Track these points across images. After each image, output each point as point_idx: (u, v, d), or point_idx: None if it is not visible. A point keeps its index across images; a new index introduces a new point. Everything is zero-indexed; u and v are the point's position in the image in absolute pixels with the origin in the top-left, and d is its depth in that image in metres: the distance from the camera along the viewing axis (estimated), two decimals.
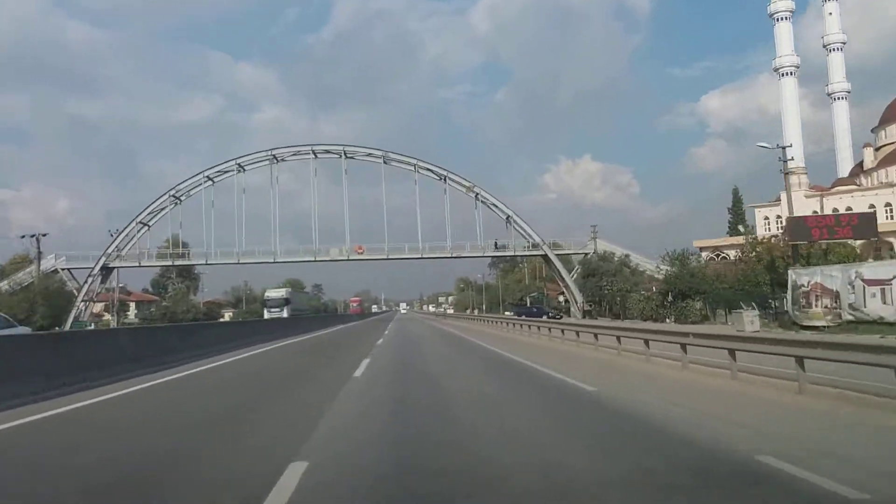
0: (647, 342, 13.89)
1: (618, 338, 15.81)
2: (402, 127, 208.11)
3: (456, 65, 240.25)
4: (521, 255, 63.81)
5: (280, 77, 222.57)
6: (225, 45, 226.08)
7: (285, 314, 55.88)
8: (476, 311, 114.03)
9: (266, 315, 57.73)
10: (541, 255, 61.56)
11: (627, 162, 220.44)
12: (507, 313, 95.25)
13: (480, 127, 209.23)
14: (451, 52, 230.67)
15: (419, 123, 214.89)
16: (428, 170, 60.89)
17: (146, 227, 60.16)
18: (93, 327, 56.66)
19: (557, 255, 60.02)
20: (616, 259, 51.90)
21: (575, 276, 60.23)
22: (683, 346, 12.09)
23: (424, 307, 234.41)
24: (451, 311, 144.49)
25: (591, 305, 52.57)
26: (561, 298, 79.69)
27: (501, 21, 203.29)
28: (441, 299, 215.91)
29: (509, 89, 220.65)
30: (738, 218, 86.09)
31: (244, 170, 61.05)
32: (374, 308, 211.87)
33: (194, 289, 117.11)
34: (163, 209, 59.87)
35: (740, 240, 61.28)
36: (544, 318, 40.14)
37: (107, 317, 78.36)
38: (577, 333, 19.67)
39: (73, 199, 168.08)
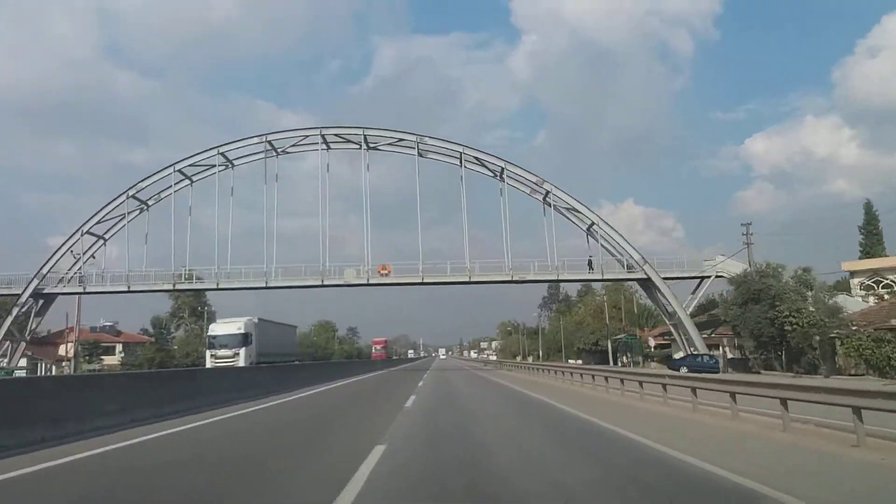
0: None
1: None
2: (442, 172, 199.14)
3: (496, 110, 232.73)
4: (619, 280, 45.62)
5: (322, 123, 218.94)
6: (269, 94, 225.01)
7: (241, 361, 35.42)
8: (531, 359, 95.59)
9: (209, 362, 36.73)
10: (639, 280, 43.56)
11: (671, 206, 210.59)
12: (571, 361, 77.12)
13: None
14: (491, 97, 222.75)
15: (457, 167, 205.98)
16: (477, 160, 44.24)
17: (101, 241, 44.93)
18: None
19: (667, 279, 41.90)
20: (791, 276, 32.98)
21: (692, 308, 41.96)
22: None
23: (465, 353, 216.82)
24: (493, 358, 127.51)
25: (752, 352, 33.95)
26: (651, 342, 60.90)
27: (541, 67, 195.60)
28: (483, 344, 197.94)
29: (549, 133, 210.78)
30: (871, 237, 67.71)
31: (232, 165, 45.63)
32: (411, 353, 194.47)
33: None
34: (125, 216, 44.61)
35: None
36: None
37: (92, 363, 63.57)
38: None
39: (123, 245, 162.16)
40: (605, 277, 43.05)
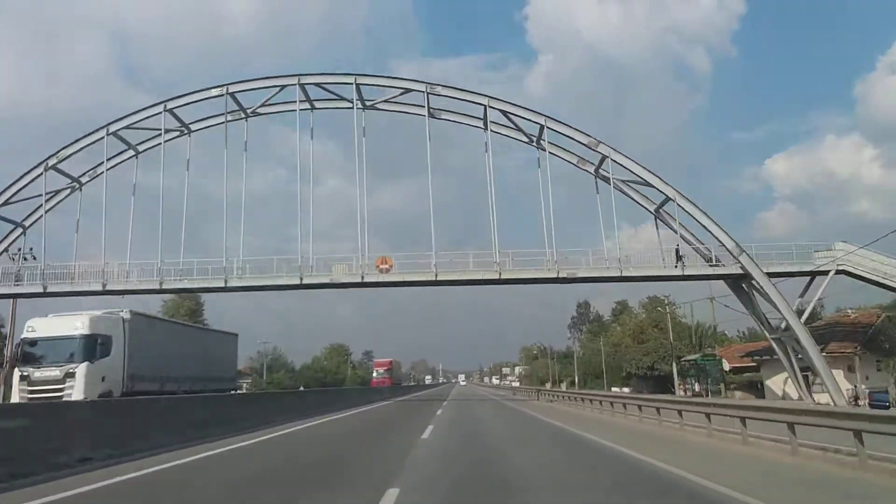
0: None
1: None
2: (458, 194, 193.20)
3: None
4: (706, 277, 33.48)
5: (342, 149, 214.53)
6: (285, 117, 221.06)
7: (80, 389, 19.81)
8: (563, 386, 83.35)
9: (16, 393, 20.34)
10: (729, 278, 31.93)
11: (692, 228, 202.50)
12: (615, 389, 65.14)
13: (537, 193, 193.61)
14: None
15: (475, 190, 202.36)
16: (506, 116, 33.29)
17: (19, 229, 34.69)
18: None
19: (772, 275, 30.27)
20: None
21: (806, 315, 30.28)
22: None
23: (485, 379, 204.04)
24: (516, 384, 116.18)
25: None
26: (725, 365, 48.51)
27: (558, 86, 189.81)
28: (506, 370, 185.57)
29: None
30: None
31: (189, 130, 35.25)
32: (428, 379, 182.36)
33: None
34: (57, 194, 34.44)
35: None
36: None
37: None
38: None
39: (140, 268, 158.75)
40: (688, 274, 31.29)
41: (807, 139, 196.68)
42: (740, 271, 30.56)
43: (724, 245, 30.71)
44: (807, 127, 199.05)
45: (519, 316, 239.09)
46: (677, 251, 31.07)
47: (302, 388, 67.54)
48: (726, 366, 47.20)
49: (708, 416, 14.07)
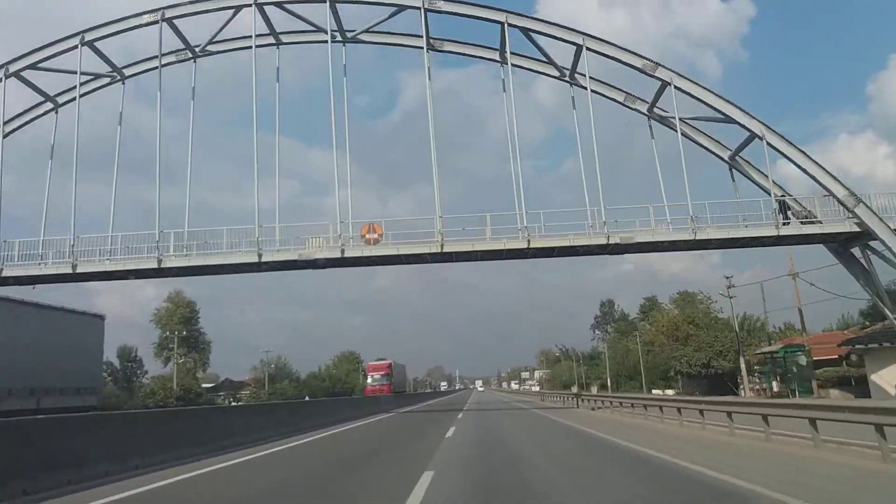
0: None
1: None
2: (469, 198, 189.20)
3: (522, 139, 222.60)
4: (809, 239, 24.62)
5: (354, 163, 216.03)
6: (295, 131, 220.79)
7: None
8: (594, 389, 75.17)
9: None
10: (837, 238, 23.68)
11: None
12: (656, 392, 57.06)
13: (549, 198, 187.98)
14: (517, 125, 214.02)
15: (485, 194, 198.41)
16: (529, 39, 25.29)
17: None
18: None
19: None
20: None
21: None
22: None
23: (504, 385, 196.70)
24: (536, 389, 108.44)
25: None
26: (802, 359, 39.83)
27: (568, 93, 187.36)
28: (525, 374, 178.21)
29: (576, 161, 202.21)
30: None
31: (122, 75, 27.58)
32: (444, 385, 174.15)
33: (202, 363, 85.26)
34: None
35: None
36: None
37: None
38: None
39: (156, 285, 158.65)
40: (784, 235, 23.00)
41: (819, 139, 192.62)
42: (855, 228, 22.41)
43: (832, 194, 22.56)
44: (819, 126, 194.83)
45: (534, 320, 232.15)
46: (782, 203, 22.89)
47: (307, 398, 60.26)
48: (802, 360, 38.59)
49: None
